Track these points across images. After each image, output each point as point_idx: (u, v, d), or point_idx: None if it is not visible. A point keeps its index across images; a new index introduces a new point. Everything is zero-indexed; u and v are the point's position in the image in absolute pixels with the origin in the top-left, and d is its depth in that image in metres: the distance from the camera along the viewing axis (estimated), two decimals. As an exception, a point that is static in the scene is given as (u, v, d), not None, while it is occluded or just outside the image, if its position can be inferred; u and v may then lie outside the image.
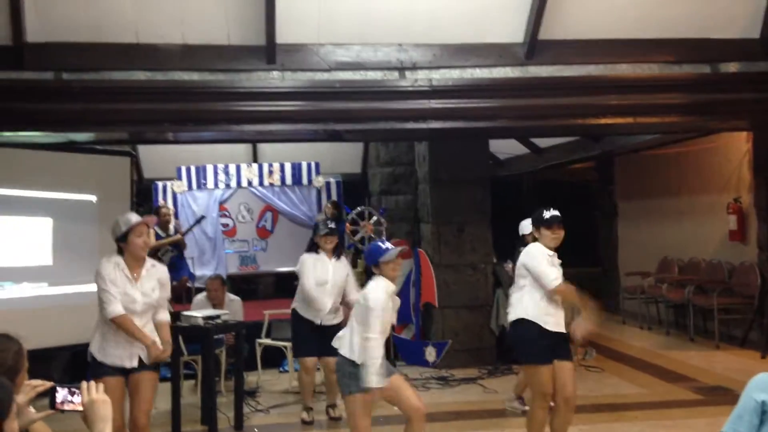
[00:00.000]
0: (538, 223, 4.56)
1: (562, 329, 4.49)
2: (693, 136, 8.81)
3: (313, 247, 5.93)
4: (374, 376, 4.01)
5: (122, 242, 4.29)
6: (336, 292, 5.84)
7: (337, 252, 5.89)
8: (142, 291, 4.27)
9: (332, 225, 5.92)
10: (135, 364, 4.24)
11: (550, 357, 4.43)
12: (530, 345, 4.49)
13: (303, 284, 5.84)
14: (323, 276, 5.78)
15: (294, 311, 6.05)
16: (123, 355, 4.22)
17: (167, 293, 4.53)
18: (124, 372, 4.24)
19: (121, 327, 4.16)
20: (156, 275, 4.38)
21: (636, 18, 6.08)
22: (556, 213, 4.53)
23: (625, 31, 6.15)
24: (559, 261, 4.55)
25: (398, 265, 4.27)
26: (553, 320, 4.45)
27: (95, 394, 2.24)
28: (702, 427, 5.39)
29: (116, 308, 4.15)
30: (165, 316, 4.51)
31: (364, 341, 4.07)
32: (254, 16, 5.65)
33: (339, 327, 5.70)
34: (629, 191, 11.33)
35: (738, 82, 6.30)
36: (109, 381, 3.87)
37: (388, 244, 4.30)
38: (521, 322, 4.51)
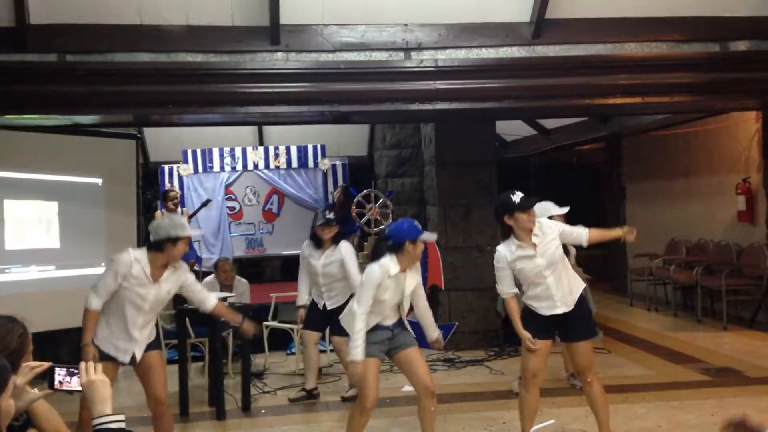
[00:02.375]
0: (511, 208, 4.25)
1: (563, 310, 4.34)
2: (702, 116, 8.74)
3: (313, 237, 5.93)
4: (356, 349, 4.15)
5: (163, 244, 4.11)
6: (329, 280, 5.88)
7: (336, 239, 5.89)
8: (158, 293, 4.17)
9: (330, 215, 5.83)
10: (127, 360, 4.20)
11: (541, 334, 4.39)
12: (525, 321, 4.44)
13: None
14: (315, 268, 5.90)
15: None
16: (119, 348, 4.17)
17: (195, 285, 4.41)
18: (116, 361, 4.21)
19: (84, 316, 4.12)
20: (177, 278, 4.26)
21: (644, -4, 6.01)
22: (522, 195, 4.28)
23: (633, 9, 6.07)
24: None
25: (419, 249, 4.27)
26: (546, 304, 4.37)
27: (94, 374, 2.23)
28: (709, 408, 5.38)
29: (94, 303, 4.09)
30: (214, 300, 4.45)
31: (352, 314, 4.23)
32: (258, -4, 5.61)
33: (344, 306, 5.80)
34: (637, 172, 11.27)
35: (748, 61, 6.23)
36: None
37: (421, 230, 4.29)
38: (524, 307, 4.52)
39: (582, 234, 4.39)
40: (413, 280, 4.38)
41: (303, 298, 6.12)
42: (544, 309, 4.36)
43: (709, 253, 9.16)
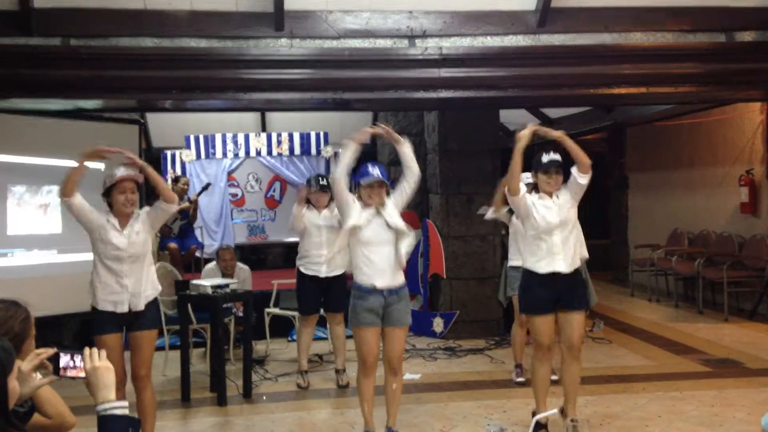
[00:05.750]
0: (536, 167, 4.51)
1: (564, 268, 4.41)
2: (706, 107, 8.71)
3: (307, 201, 6.05)
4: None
5: (107, 198, 4.30)
6: (332, 242, 5.90)
7: (329, 205, 6.02)
8: (129, 238, 4.28)
9: (324, 182, 5.99)
10: (125, 309, 4.28)
11: (546, 307, 4.44)
12: (526, 294, 4.60)
13: (292, 219, 6.03)
14: (314, 228, 5.96)
15: (298, 270, 6.18)
16: (116, 302, 4.28)
17: (150, 211, 4.43)
18: (121, 325, 4.34)
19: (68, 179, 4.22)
20: (141, 220, 4.36)
21: (651, -15, 5.97)
22: (555, 157, 4.44)
23: (639, -2, 6.05)
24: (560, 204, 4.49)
25: (374, 194, 4.35)
26: (547, 260, 4.42)
27: (98, 361, 2.23)
28: (710, 399, 5.39)
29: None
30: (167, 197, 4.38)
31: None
32: (262, -19, 5.58)
33: (341, 278, 5.83)
34: (640, 163, 11.25)
35: (754, 52, 6.20)
36: (109, 339, 4.21)
37: (375, 170, 4.40)
38: (523, 273, 4.61)
39: (574, 174, 4.50)
40: (393, 212, 4.44)
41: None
42: (543, 266, 4.43)
43: (711, 245, 9.16)
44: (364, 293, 4.39)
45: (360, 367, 4.53)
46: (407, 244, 4.44)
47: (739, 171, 8.66)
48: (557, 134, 4.44)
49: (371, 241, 4.37)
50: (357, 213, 4.38)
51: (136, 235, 4.31)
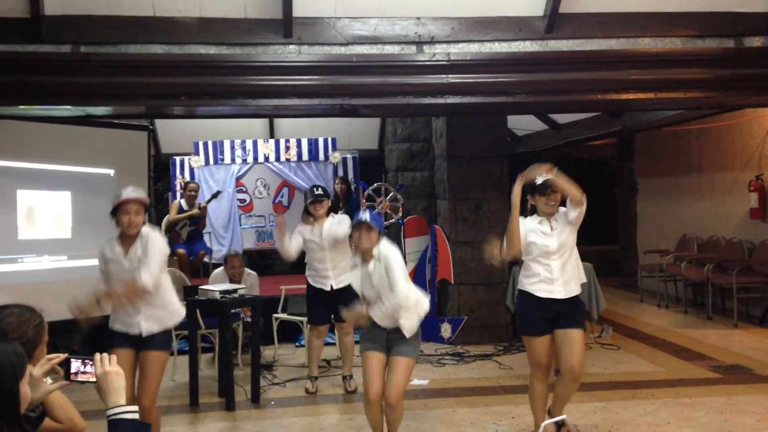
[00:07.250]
0: (531, 191, 4.45)
1: (561, 295, 4.37)
2: (715, 113, 8.68)
3: (307, 213, 6.06)
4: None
5: (114, 217, 4.29)
6: (336, 254, 5.98)
7: (330, 212, 6.06)
8: (130, 260, 4.28)
9: (319, 191, 6.01)
10: (136, 332, 4.28)
11: (543, 328, 4.40)
12: (522, 316, 4.58)
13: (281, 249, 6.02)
14: (317, 243, 5.97)
15: (307, 281, 6.22)
16: (126, 323, 4.32)
17: (149, 255, 4.25)
18: (133, 343, 4.31)
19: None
20: (142, 244, 4.29)
21: (659, -10, 5.96)
22: (548, 176, 4.38)
23: (647, 4, 6.04)
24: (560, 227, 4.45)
25: (362, 239, 4.30)
26: (545, 286, 4.38)
27: (108, 366, 2.25)
28: (719, 405, 5.37)
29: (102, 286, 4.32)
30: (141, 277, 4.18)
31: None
32: (271, -12, 5.60)
33: (349, 288, 5.85)
34: (649, 168, 11.23)
35: (763, 57, 6.17)
36: (119, 353, 4.09)
37: (365, 215, 4.36)
38: (519, 294, 4.58)
39: (567, 207, 4.46)
40: (379, 269, 4.35)
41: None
42: (542, 291, 4.39)
43: (720, 250, 9.13)
44: (370, 326, 4.41)
45: (364, 396, 4.44)
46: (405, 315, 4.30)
47: (749, 176, 8.64)
48: (546, 171, 4.32)
49: (365, 298, 4.40)
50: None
51: (135, 254, 4.26)
